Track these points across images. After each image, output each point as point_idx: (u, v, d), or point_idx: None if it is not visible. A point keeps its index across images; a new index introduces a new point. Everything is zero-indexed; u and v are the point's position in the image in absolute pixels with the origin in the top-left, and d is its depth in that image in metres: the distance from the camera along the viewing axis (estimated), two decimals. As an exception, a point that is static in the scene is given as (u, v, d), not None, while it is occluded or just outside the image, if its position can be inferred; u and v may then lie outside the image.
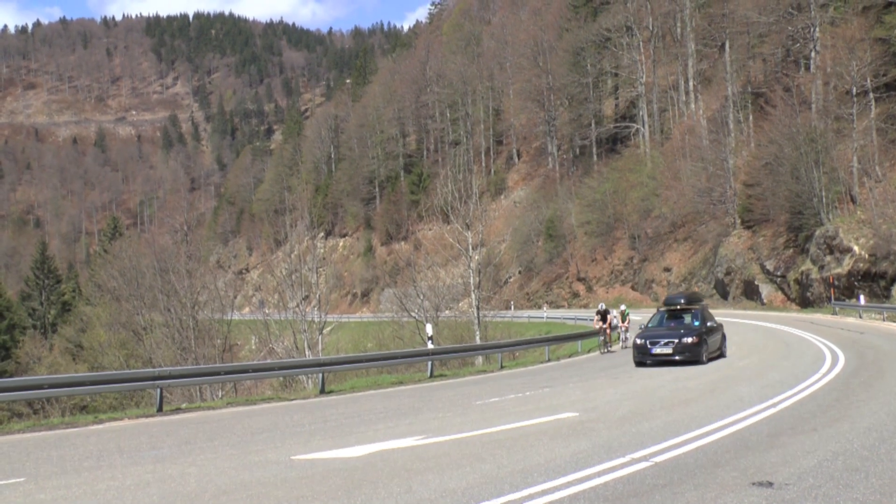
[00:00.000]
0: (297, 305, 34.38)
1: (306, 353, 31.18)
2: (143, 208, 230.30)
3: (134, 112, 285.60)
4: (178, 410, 16.01)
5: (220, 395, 28.21)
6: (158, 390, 16.29)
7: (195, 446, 10.98)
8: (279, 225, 46.85)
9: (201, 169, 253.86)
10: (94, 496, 7.76)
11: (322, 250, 46.27)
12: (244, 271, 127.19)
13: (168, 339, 37.60)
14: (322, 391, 19.11)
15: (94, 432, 13.68)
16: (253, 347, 45.11)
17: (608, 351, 30.15)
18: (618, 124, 78.12)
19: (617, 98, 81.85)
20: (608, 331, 30.39)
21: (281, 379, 28.35)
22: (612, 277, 67.24)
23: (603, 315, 30.25)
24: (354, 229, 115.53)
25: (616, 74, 78.39)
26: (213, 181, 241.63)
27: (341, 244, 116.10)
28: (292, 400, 18.33)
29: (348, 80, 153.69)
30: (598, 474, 7.84)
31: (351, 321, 67.47)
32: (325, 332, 33.43)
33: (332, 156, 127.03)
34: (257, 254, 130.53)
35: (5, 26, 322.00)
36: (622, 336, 32.37)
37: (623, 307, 33.42)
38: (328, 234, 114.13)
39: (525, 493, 7.18)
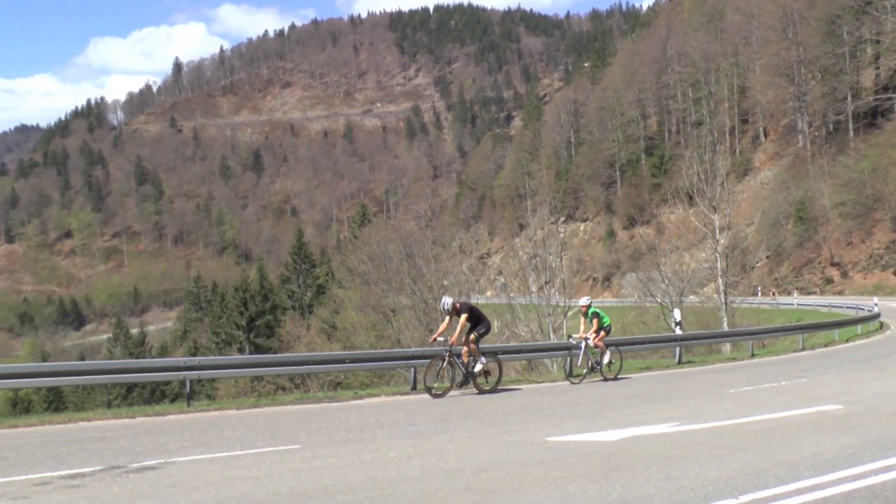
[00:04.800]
0: (540, 289, 34.62)
1: (551, 336, 31.31)
2: (388, 196, 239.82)
3: (379, 104, 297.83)
4: (430, 389, 16.57)
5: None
6: (412, 370, 17.06)
7: (450, 424, 11.35)
8: (520, 210, 47.28)
9: (443, 157, 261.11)
10: (362, 466, 8.19)
11: (563, 235, 46.35)
12: (486, 256, 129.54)
13: (415, 321, 38.98)
14: (570, 374, 19.17)
15: (354, 407, 14.50)
16: (495, 331, 45.83)
17: (478, 390, 16.10)
18: (878, 97, 72.54)
19: (878, 68, 75.97)
20: (473, 346, 15.84)
21: (524, 362, 28.69)
22: (871, 262, 62.74)
23: (457, 312, 16.14)
24: (595, 214, 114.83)
25: (877, 41, 72.67)
26: (454, 168, 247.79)
27: (582, 228, 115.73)
28: (540, 382, 18.53)
29: (587, 64, 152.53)
30: (873, 472, 7.29)
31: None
32: (568, 315, 33.43)
33: (572, 140, 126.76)
34: (499, 239, 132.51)
35: (266, 31, 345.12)
36: (580, 356, 18.32)
37: (585, 300, 19.41)
38: (569, 218, 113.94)
39: (792, 487, 6.78)
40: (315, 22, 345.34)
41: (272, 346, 60.71)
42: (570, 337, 20.18)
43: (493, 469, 7.86)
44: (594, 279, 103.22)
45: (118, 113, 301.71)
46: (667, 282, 39.03)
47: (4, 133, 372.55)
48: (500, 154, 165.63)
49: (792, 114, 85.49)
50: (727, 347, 30.08)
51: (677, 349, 22.99)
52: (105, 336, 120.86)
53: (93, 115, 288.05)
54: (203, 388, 44.90)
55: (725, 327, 33.98)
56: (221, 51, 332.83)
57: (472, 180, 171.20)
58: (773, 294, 61.79)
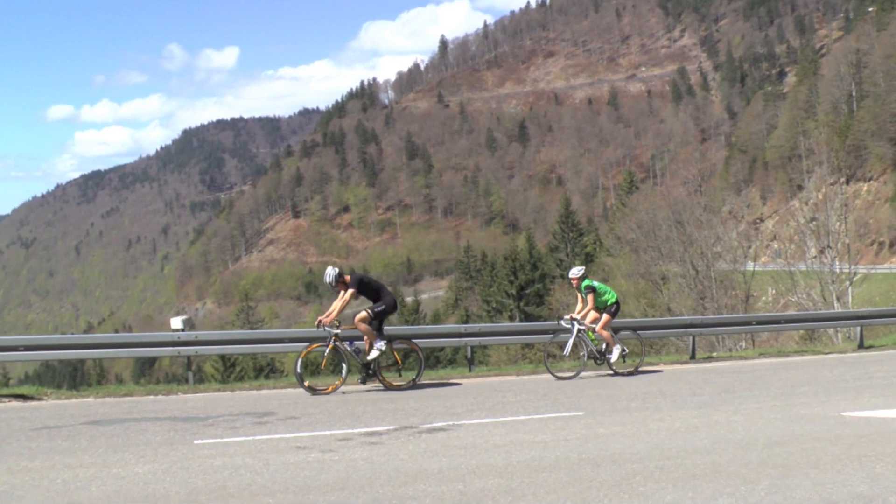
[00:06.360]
0: (821, 254, 32.82)
1: (835, 305, 29.55)
2: (654, 162, 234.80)
3: (643, 68, 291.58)
4: (710, 359, 16.17)
5: (741, 346, 27.99)
6: (692, 338, 16.90)
7: (735, 395, 11.03)
8: (796, 171, 44.92)
9: (711, 119, 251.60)
10: (647, 435, 8.13)
11: (844, 195, 43.26)
12: (758, 221, 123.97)
13: (686, 289, 38.12)
14: (860, 346, 18.00)
15: (633, 376, 14.40)
16: (768, 299, 44.01)
17: (384, 386, 13.17)
18: None
19: None
20: (362, 325, 13.47)
21: (801, 332, 27.39)
22: None
23: (344, 285, 13.74)
24: (880, 172, 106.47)
25: None
26: (723, 131, 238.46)
27: (865, 189, 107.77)
28: (827, 353, 17.57)
29: (871, 9, 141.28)
30: None
31: (878, 272, 62.83)
32: (853, 281, 31.43)
33: (853, 94, 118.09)
34: (772, 202, 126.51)
35: (528, 3, 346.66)
36: (570, 342, 14.63)
37: (576, 271, 15.13)
38: (850, 178, 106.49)
39: None
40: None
41: (542, 315, 61.35)
42: (559, 319, 15.38)
43: (787, 443, 7.53)
44: (879, 244, 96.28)
45: (388, 92, 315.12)
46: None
47: (290, 117, 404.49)
48: (773, 113, 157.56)
49: None
50: None
51: None
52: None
53: (366, 95, 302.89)
54: (475, 354, 46.27)
55: None
56: (485, 25, 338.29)
57: (742, 142, 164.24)
58: None
